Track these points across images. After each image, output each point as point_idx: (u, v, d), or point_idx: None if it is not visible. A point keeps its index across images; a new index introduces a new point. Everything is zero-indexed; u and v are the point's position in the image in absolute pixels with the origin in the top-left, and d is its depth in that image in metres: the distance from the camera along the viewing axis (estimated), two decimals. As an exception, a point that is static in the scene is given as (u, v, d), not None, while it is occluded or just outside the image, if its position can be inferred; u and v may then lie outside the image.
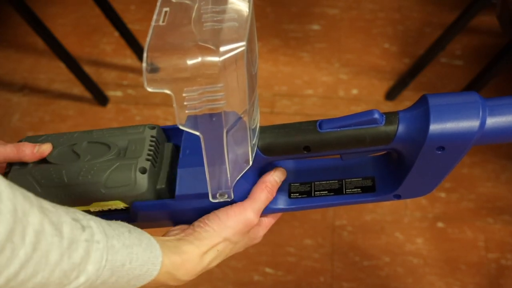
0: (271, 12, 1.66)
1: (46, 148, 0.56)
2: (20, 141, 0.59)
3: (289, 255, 1.27)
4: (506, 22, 1.19)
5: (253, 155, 0.53)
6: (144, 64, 0.42)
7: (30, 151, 0.55)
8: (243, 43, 0.42)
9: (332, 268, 1.25)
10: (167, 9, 0.45)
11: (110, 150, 0.56)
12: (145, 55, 0.42)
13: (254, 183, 0.57)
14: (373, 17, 1.67)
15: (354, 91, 1.53)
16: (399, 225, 1.30)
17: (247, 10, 0.45)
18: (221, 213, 0.54)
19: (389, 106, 1.49)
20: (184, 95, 0.43)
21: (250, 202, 0.55)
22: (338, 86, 1.54)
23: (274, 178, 0.57)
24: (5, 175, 0.57)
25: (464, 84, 1.45)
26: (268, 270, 1.26)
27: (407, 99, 1.50)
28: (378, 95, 1.52)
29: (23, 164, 0.56)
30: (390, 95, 1.51)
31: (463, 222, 1.31)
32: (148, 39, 0.43)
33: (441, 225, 1.30)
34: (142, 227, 0.50)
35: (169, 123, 1.50)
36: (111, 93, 1.55)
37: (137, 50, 1.55)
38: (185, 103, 0.43)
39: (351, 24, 1.66)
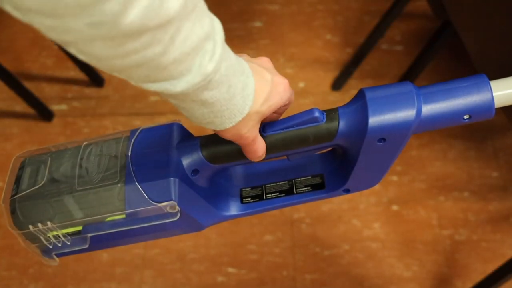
0: (212, 13, 1.66)
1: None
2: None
3: (251, 253, 1.28)
4: (436, 5, 1.23)
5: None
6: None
7: None
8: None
9: (294, 261, 1.27)
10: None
11: (117, 160, 0.55)
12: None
13: (207, 192, 0.57)
14: (313, 9, 1.70)
15: (301, 84, 1.54)
16: (355, 212, 1.33)
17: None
18: None
19: (335, 96, 1.51)
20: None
21: None
22: (285, 80, 1.55)
23: None
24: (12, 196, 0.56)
25: (406, 68, 1.49)
26: (231, 270, 1.26)
27: (353, 87, 1.53)
28: (325, 86, 1.54)
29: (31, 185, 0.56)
30: (336, 85, 1.53)
31: (417, 203, 1.34)
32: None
33: (395, 207, 1.34)
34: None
35: (118, 132, 1.48)
36: (56, 107, 1.52)
37: (79, 61, 1.51)
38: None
39: (292, 19, 1.68)
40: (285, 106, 0.55)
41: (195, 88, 0.43)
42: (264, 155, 0.54)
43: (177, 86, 0.42)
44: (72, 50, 0.38)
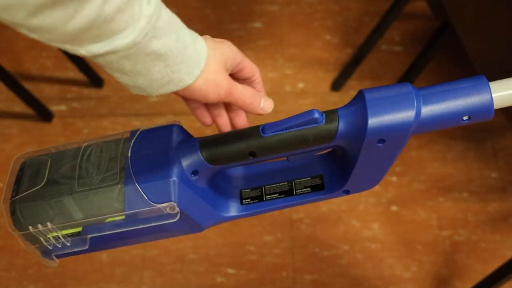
0: (211, 13, 1.66)
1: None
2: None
3: (250, 253, 1.28)
4: (435, 6, 1.23)
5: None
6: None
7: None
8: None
9: (293, 262, 1.27)
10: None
11: (117, 161, 0.55)
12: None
13: (206, 193, 0.57)
14: (313, 10, 1.70)
15: (301, 85, 1.54)
16: (355, 213, 1.33)
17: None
18: None
19: (335, 97, 1.51)
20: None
21: None
22: (284, 81, 1.55)
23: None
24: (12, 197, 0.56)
25: (405, 69, 1.49)
26: (230, 270, 1.26)
27: (352, 88, 1.53)
28: (324, 86, 1.54)
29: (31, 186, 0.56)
30: (336, 85, 1.53)
31: (416, 203, 1.35)
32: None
33: (395, 208, 1.34)
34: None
35: (118, 133, 1.48)
36: (55, 108, 1.52)
37: (78, 62, 1.51)
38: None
39: (292, 19, 1.68)
40: (246, 70, 0.58)
41: (143, 35, 0.45)
42: (257, 98, 0.55)
43: (128, 37, 0.44)
44: (24, 30, 0.40)
